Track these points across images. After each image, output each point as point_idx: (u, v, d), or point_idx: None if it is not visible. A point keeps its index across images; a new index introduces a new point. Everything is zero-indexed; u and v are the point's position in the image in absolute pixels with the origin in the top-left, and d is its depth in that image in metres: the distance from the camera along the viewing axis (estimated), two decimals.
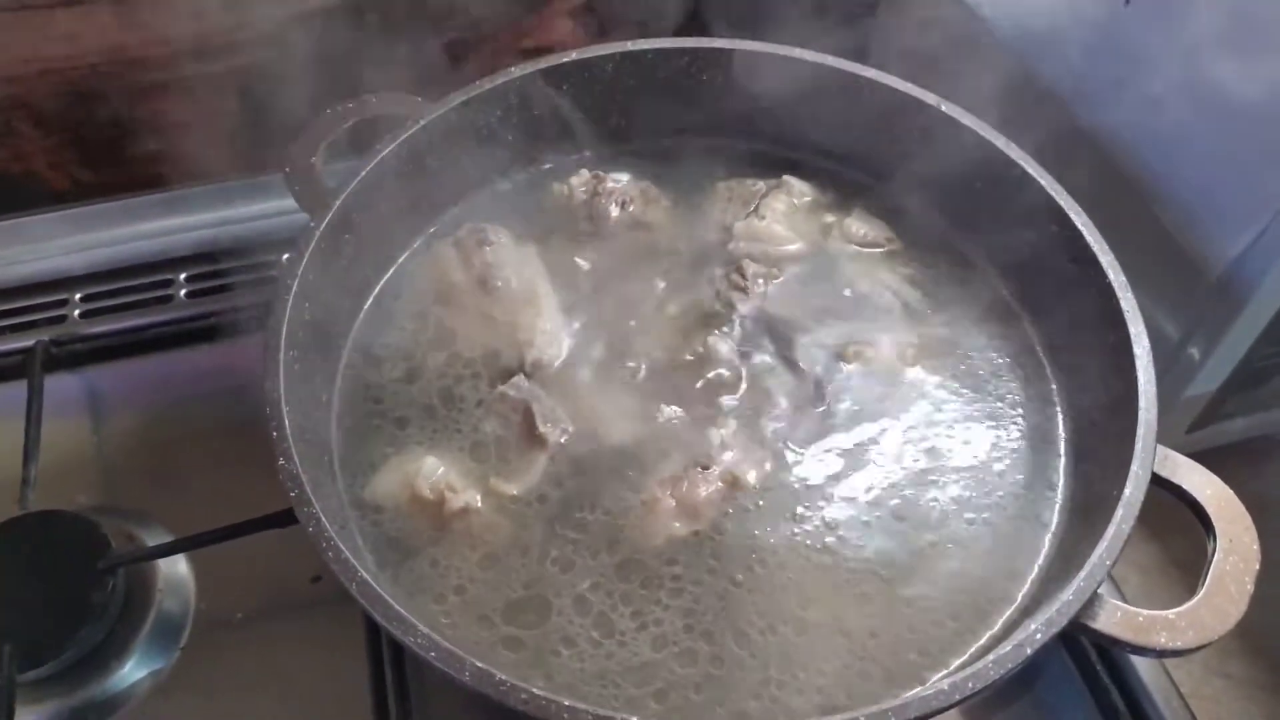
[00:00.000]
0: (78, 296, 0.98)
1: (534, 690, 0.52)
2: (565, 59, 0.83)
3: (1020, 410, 0.76)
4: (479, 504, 0.69)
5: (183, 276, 0.99)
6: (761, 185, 0.87)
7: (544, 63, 0.83)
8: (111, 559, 0.75)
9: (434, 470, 0.69)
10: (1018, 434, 0.74)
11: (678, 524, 0.67)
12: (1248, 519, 0.62)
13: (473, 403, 0.74)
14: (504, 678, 0.52)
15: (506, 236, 0.83)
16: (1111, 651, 0.75)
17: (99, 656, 0.74)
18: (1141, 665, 0.75)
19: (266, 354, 0.66)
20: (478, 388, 0.75)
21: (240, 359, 0.89)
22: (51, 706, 0.73)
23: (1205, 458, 0.65)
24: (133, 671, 0.75)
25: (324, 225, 0.72)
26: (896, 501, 0.70)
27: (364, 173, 0.76)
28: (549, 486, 0.70)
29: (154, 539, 0.80)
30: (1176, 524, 0.64)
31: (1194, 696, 0.78)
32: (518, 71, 0.83)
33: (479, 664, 0.52)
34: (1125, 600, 0.74)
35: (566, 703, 0.51)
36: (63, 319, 0.97)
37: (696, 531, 0.68)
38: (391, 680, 0.73)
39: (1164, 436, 0.64)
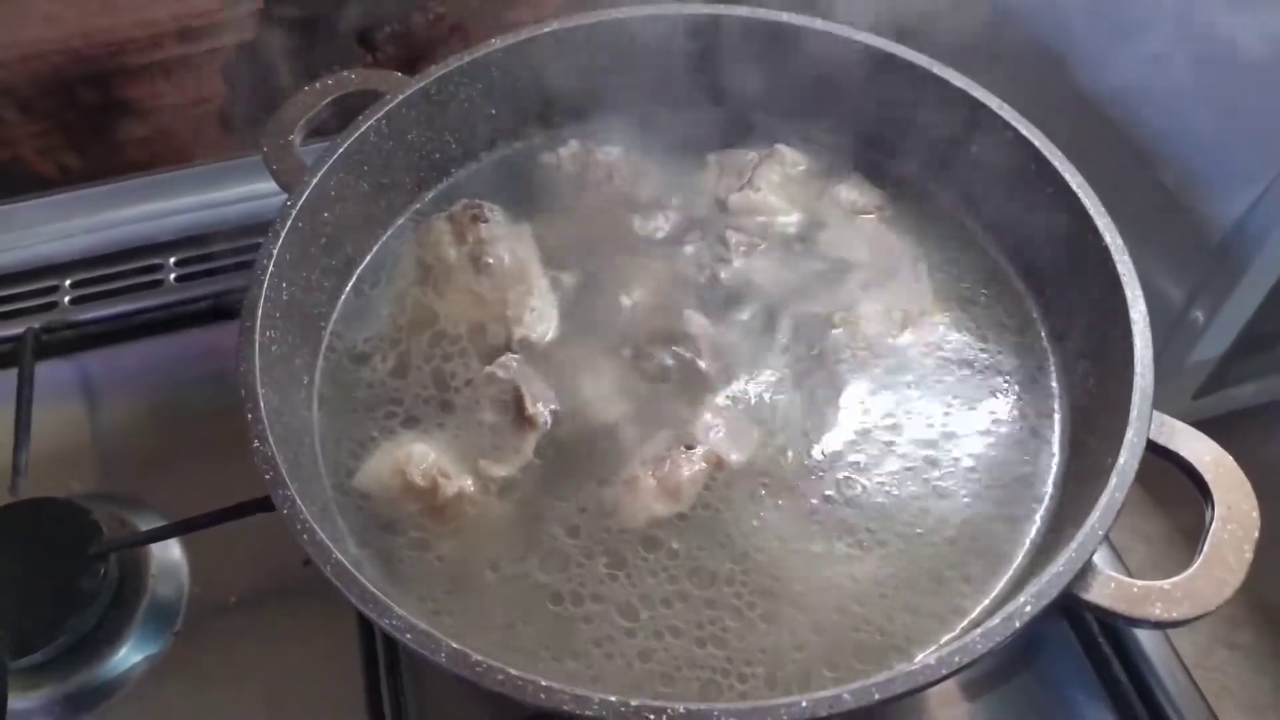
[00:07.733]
0: (67, 283, 0.97)
1: (510, 671, 0.51)
2: (546, 29, 0.81)
3: (1015, 376, 0.74)
4: (471, 488, 0.68)
5: (172, 260, 0.99)
6: (753, 155, 0.85)
7: (525, 33, 0.81)
8: (102, 545, 0.75)
9: (425, 456, 0.68)
10: (1012, 401, 0.73)
11: (659, 505, 0.66)
12: (1247, 486, 0.60)
13: (460, 383, 0.73)
14: (479, 659, 0.51)
15: (500, 213, 0.81)
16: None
17: (92, 642, 0.74)
18: (1145, 636, 0.74)
19: (241, 335, 0.65)
20: (466, 366, 0.74)
21: (232, 342, 0.89)
22: (46, 693, 0.73)
23: (1214, 425, 0.63)
24: (127, 657, 0.75)
25: (300, 203, 0.71)
26: (884, 475, 0.68)
27: (341, 149, 0.75)
28: (538, 468, 0.69)
29: (148, 524, 0.80)
30: (1183, 495, 0.62)
31: (1199, 667, 0.77)
32: (499, 43, 0.81)
33: (454, 645, 0.52)
34: (1130, 571, 0.73)
35: (543, 683, 0.51)
36: (53, 305, 0.96)
37: (680, 513, 0.66)
38: (384, 662, 0.72)
39: (1169, 403, 0.63)
